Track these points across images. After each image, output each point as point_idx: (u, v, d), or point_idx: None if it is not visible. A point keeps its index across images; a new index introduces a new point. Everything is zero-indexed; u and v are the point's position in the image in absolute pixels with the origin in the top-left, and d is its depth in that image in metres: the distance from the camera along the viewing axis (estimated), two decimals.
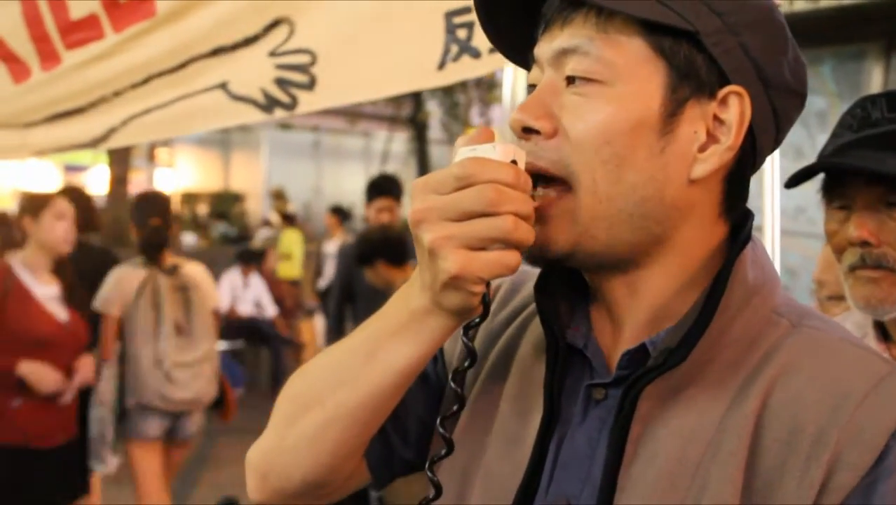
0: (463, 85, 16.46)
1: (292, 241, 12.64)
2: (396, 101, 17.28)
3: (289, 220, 13.88)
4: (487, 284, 0.86)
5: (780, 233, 2.11)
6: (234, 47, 2.27)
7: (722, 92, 0.88)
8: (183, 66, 2.31)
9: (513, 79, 2.79)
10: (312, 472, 1.01)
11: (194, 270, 4.75)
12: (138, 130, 2.40)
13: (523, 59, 0.98)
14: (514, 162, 0.84)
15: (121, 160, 13.50)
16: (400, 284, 4.44)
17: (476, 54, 2.10)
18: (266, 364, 10.33)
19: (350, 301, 5.29)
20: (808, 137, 4.01)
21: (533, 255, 0.88)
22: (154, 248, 4.56)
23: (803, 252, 2.74)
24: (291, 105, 2.27)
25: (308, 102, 2.27)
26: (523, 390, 0.99)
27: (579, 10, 0.89)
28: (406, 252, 4.66)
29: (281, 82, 2.25)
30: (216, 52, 2.28)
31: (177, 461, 4.81)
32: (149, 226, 4.56)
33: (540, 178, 0.88)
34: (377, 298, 4.98)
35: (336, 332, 5.38)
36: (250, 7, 2.24)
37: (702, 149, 0.88)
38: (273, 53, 2.25)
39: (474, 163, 0.82)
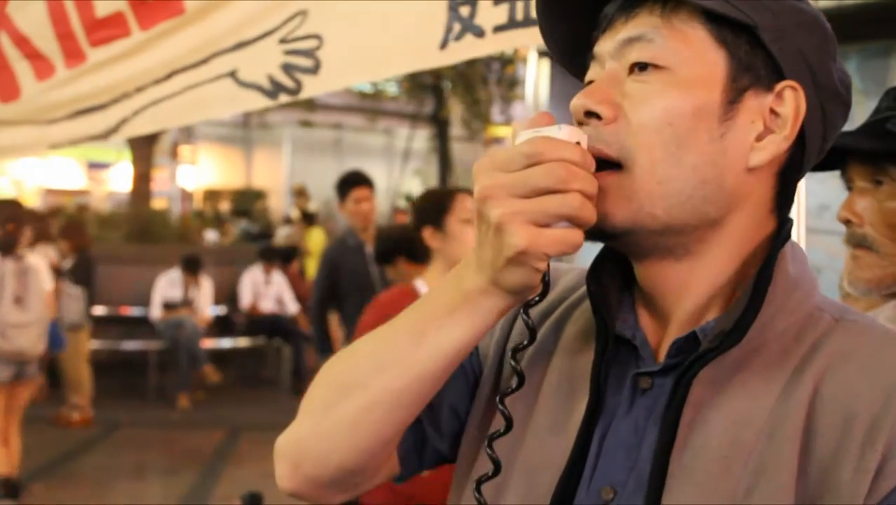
0: (484, 82, 16.46)
1: (314, 239, 12.68)
2: (418, 98, 17.29)
3: (308, 218, 13.91)
4: (548, 263, 0.87)
5: (805, 231, 2.10)
6: (255, 40, 2.27)
7: (779, 86, 0.90)
8: (205, 61, 2.32)
9: (535, 76, 2.78)
10: (350, 457, 1.00)
11: (35, 260, 6.47)
12: (147, 120, 2.40)
13: (578, 64, 1.00)
14: (577, 143, 0.86)
15: (144, 158, 13.58)
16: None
17: (480, 33, 2.04)
18: (288, 361, 10.37)
19: (334, 301, 5.27)
20: None
21: (592, 230, 0.89)
22: (7, 246, 6.17)
23: (827, 249, 2.73)
24: (296, 90, 2.26)
25: (312, 87, 2.26)
26: (568, 377, 1.00)
27: (644, 5, 0.92)
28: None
29: (287, 67, 2.25)
30: (238, 46, 2.29)
31: (23, 398, 6.28)
32: (5, 229, 6.15)
33: (598, 162, 0.89)
34: (364, 299, 5.00)
35: (320, 336, 5.36)
36: (274, 3, 2.25)
37: (759, 138, 0.90)
38: (283, 40, 2.24)
39: (543, 141, 0.84)
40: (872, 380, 0.83)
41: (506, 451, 0.98)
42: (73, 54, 2.35)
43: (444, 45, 2.09)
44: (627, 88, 0.90)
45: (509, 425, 0.95)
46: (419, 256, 4.61)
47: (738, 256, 0.93)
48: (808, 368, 0.86)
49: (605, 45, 0.94)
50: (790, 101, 0.90)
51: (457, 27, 2.06)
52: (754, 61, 0.90)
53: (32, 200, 18.27)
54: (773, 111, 0.91)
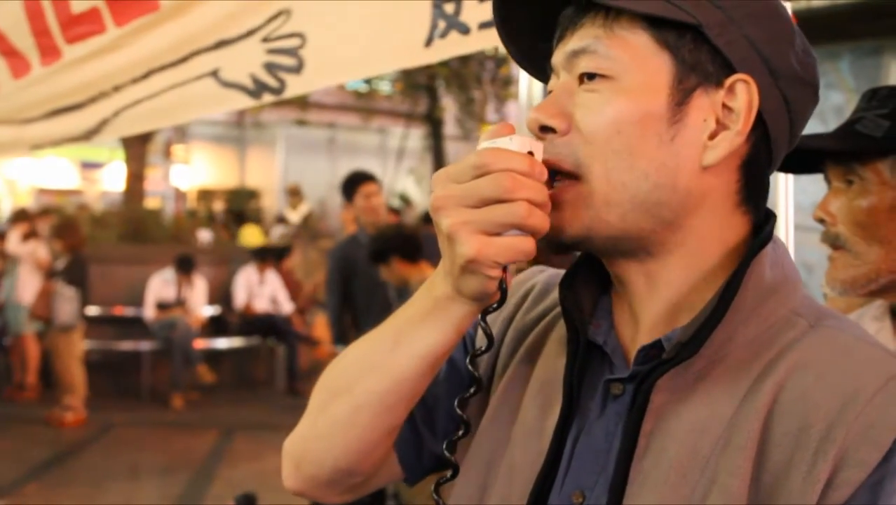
0: (478, 81, 16.46)
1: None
2: (412, 97, 17.27)
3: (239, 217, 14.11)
4: (505, 270, 0.89)
5: (794, 229, 2.10)
6: (237, 39, 2.26)
7: (729, 80, 0.90)
8: (184, 59, 2.30)
9: (529, 76, 2.77)
10: (343, 458, 1.05)
11: None
12: (130, 121, 2.39)
13: (545, 73, 1.01)
14: (530, 153, 0.88)
15: (137, 157, 13.55)
16: (415, 280, 4.44)
17: (465, 30, 2.04)
18: (282, 361, 10.37)
19: (348, 303, 5.25)
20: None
21: (549, 239, 0.91)
22: None
23: (820, 248, 2.73)
24: (279, 89, 2.25)
25: (296, 86, 2.25)
26: (546, 384, 1.01)
27: (587, 14, 0.92)
28: (420, 248, 4.67)
29: (270, 67, 2.24)
30: (219, 44, 2.27)
31: None
32: None
33: (557, 173, 0.91)
34: (376, 296, 4.99)
35: (339, 337, 5.35)
36: (256, 1, 2.23)
37: (712, 136, 0.90)
38: (266, 39, 2.23)
39: (490, 153, 0.87)
40: (829, 389, 0.82)
41: (493, 450, 1.01)
42: (49, 52, 2.33)
43: (429, 42, 2.08)
44: (578, 99, 0.91)
45: (466, 429, 0.98)
46: (413, 254, 4.63)
47: (708, 257, 0.93)
48: (769, 375, 0.86)
49: (557, 57, 0.95)
50: (742, 95, 0.90)
51: (441, 24, 2.05)
52: (700, 59, 0.90)
53: (26, 200, 18.22)
54: (725, 106, 0.90)
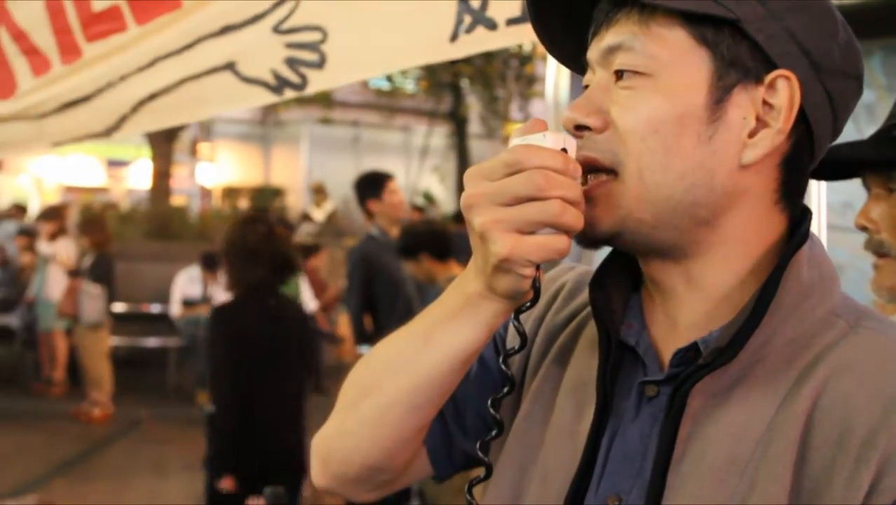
0: (503, 79, 16.43)
1: None
2: (436, 95, 17.27)
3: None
4: (538, 269, 0.88)
5: (826, 228, 2.08)
6: (243, 25, 2.22)
7: (769, 76, 0.88)
8: (189, 46, 2.28)
9: (555, 74, 2.75)
10: (371, 456, 1.04)
11: None
12: (150, 117, 2.37)
13: (580, 65, 0.99)
14: (564, 150, 0.86)
15: (163, 155, 13.64)
16: (442, 278, 4.41)
17: (492, 25, 1.99)
18: None
19: (370, 303, 5.23)
20: (856, 131, 3.95)
21: (581, 234, 0.90)
22: None
23: (850, 248, 2.70)
24: (301, 85, 2.22)
25: (318, 81, 2.22)
26: (578, 386, 0.99)
27: (622, 9, 0.90)
28: (450, 247, 4.65)
29: (291, 62, 2.20)
30: (224, 30, 2.24)
31: None
32: None
33: (591, 169, 0.90)
34: (398, 295, 4.98)
35: (361, 337, 5.33)
36: None
37: (752, 134, 0.88)
38: (279, 30, 2.19)
39: (523, 149, 0.85)
40: (871, 393, 0.81)
41: (527, 452, 1.00)
42: (70, 50, 2.33)
43: (454, 37, 2.04)
44: (615, 96, 0.90)
45: (499, 430, 0.97)
46: (443, 252, 4.61)
47: (746, 256, 0.91)
48: (809, 379, 0.84)
49: (592, 52, 0.93)
50: (783, 91, 0.87)
51: (467, 19, 2.01)
52: (739, 54, 0.87)
53: (52, 198, 18.38)
54: (766, 103, 0.88)
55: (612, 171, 0.89)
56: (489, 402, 0.97)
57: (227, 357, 3.81)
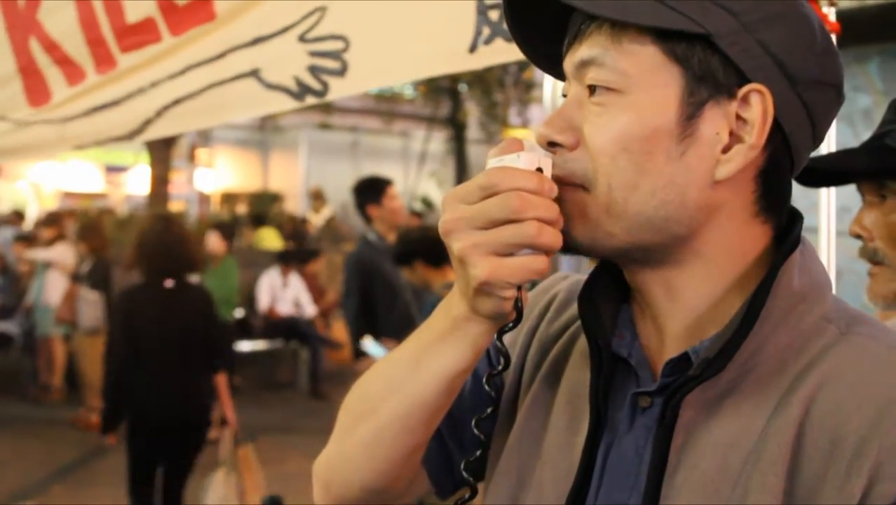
0: (501, 84, 16.45)
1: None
2: (435, 100, 17.29)
3: (258, 220, 14.31)
4: (520, 289, 0.88)
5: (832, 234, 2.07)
6: (272, 36, 2.26)
7: (742, 91, 0.86)
8: (222, 55, 2.31)
9: (553, 79, 2.76)
10: (370, 478, 1.05)
11: None
12: (174, 121, 2.40)
13: (561, 73, 0.99)
14: (539, 169, 0.86)
15: (162, 160, 13.62)
16: (437, 284, 4.41)
17: (509, 37, 2.03)
18: (305, 364, 10.38)
19: (367, 308, 5.22)
20: (853, 136, 3.96)
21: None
22: None
23: (848, 252, 2.71)
24: (322, 92, 2.25)
25: (339, 88, 2.25)
26: (573, 398, 0.99)
27: (594, 23, 0.89)
28: (445, 252, 4.64)
29: (314, 69, 2.23)
30: (255, 41, 2.27)
31: None
32: None
33: (565, 183, 0.89)
34: (396, 300, 4.98)
35: (358, 351, 5.31)
36: (295, 1, 2.24)
37: (725, 149, 0.87)
38: (304, 39, 2.22)
39: (498, 172, 0.85)
40: (862, 400, 0.80)
41: (523, 465, 1.00)
42: (104, 60, 2.36)
43: (473, 48, 2.07)
44: (587, 111, 0.89)
45: (484, 450, 0.98)
46: (437, 259, 4.61)
47: (729, 267, 0.90)
48: (800, 387, 0.83)
49: (567, 64, 0.93)
50: (756, 106, 0.86)
51: (486, 31, 2.04)
52: (711, 69, 0.85)
53: (50, 203, 18.37)
54: (739, 117, 0.87)
55: (582, 187, 0.89)
56: (473, 422, 0.98)
57: (119, 335, 4.65)
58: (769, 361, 0.86)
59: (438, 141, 19.53)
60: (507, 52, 2.05)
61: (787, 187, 0.93)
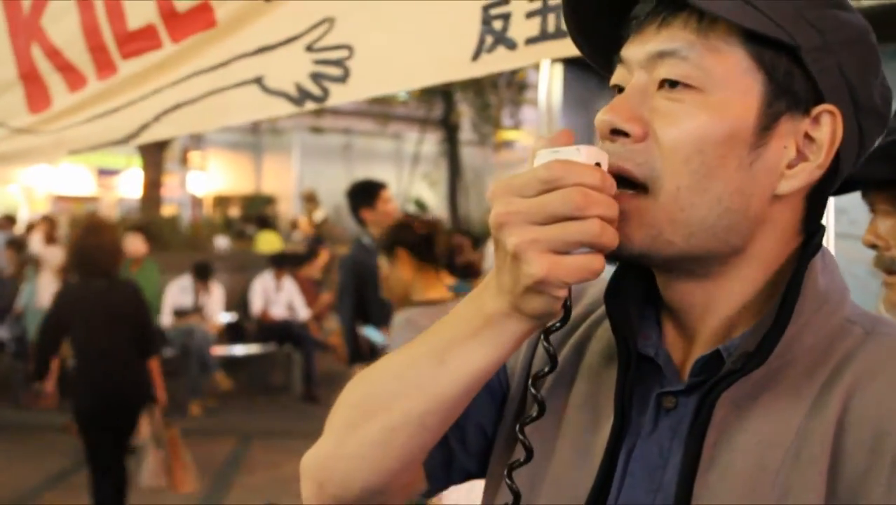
0: (494, 86, 16.45)
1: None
2: (427, 102, 17.29)
3: (262, 222, 14.23)
4: (569, 289, 0.85)
5: (835, 237, 2.06)
6: (277, 46, 2.25)
7: (816, 110, 0.86)
8: (226, 63, 2.30)
9: (548, 80, 2.74)
10: (374, 478, 0.99)
11: None
12: (171, 125, 2.39)
13: (603, 60, 0.96)
14: (598, 164, 0.82)
15: (154, 164, 13.62)
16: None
17: (512, 45, 2.02)
18: (299, 367, 10.36)
19: (362, 310, 5.23)
20: None
21: (608, 253, 0.86)
22: None
23: (845, 253, 2.70)
24: (323, 98, 2.24)
25: (340, 95, 2.24)
26: (592, 398, 0.97)
27: (679, 14, 0.86)
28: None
29: (316, 76, 2.23)
30: (260, 50, 2.27)
31: None
32: None
33: (621, 180, 0.86)
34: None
35: (353, 347, 5.32)
36: (300, 7, 2.23)
37: (790, 165, 0.87)
38: (311, 49, 2.22)
39: (560, 165, 0.81)
40: None
41: (532, 473, 0.97)
42: (105, 66, 2.36)
43: (476, 56, 2.07)
44: (656, 104, 0.86)
45: (529, 455, 0.93)
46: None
47: (765, 273, 0.90)
48: (836, 384, 0.83)
49: (634, 52, 0.90)
50: (827, 127, 0.86)
51: (489, 39, 2.05)
52: (792, 84, 0.85)
53: (42, 207, 18.32)
54: (807, 136, 0.87)
55: (642, 186, 0.86)
56: (517, 427, 0.94)
57: (53, 325, 5.28)
58: (800, 360, 0.86)
59: (431, 143, 19.53)
60: (508, 59, 2.05)
61: (826, 206, 0.94)
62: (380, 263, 4.15)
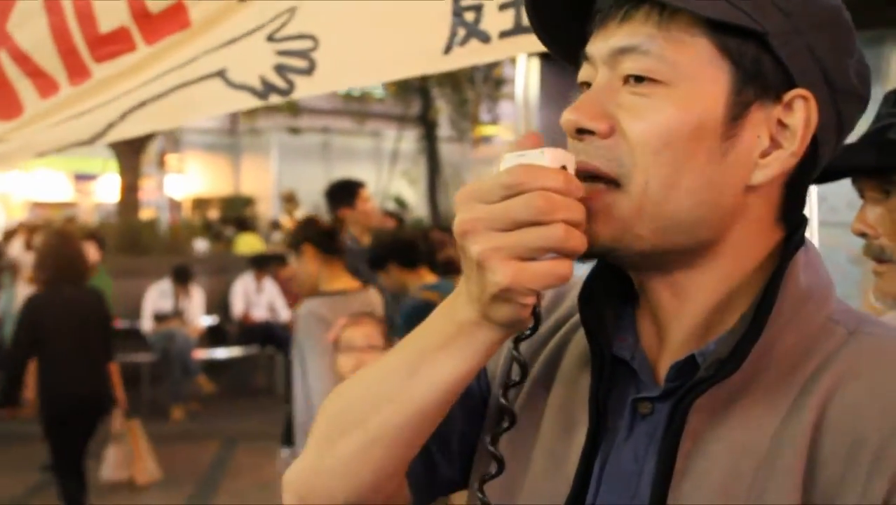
0: (471, 81, 16.45)
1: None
2: (405, 99, 17.26)
3: (241, 224, 14.11)
4: (538, 296, 0.82)
5: (817, 225, 2.05)
6: (242, 37, 2.22)
7: (788, 95, 0.84)
8: (193, 59, 2.27)
9: (525, 75, 2.72)
10: (355, 493, 0.97)
11: None
12: (137, 123, 2.35)
13: (571, 55, 0.94)
14: (563, 167, 0.80)
15: (131, 168, 13.52)
16: (413, 286, 4.40)
17: (485, 38, 1.98)
18: (281, 369, 10.31)
19: None
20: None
21: None
22: None
23: (826, 241, 2.71)
24: (288, 90, 2.20)
25: (305, 87, 2.20)
26: (567, 404, 0.95)
27: (640, 7, 0.84)
28: (418, 254, 4.64)
29: (280, 68, 2.19)
30: (226, 43, 2.24)
31: None
32: None
33: (589, 176, 0.84)
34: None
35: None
36: (268, 3, 2.20)
37: (763, 154, 0.84)
38: (272, 38, 2.18)
39: (523, 170, 0.78)
40: (882, 401, 0.78)
41: (509, 483, 0.95)
42: (78, 71, 2.31)
43: (448, 49, 2.03)
44: (622, 100, 0.84)
45: (500, 468, 0.91)
46: (411, 260, 4.61)
47: (740, 271, 0.88)
48: (814, 388, 0.81)
49: (597, 48, 0.87)
50: (800, 112, 0.84)
51: (461, 32, 2.01)
52: (761, 70, 0.83)
53: (19, 214, 18.17)
54: (781, 122, 0.84)
55: (612, 182, 0.84)
56: (488, 439, 0.92)
57: (24, 331, 5.42)
58: (778, 364, 0.83)
59: (409, 140, 19.50)
60: (481, 52, 2.02)
61: (805, 195, 0.91)
62: (290, 261, 4.19)
